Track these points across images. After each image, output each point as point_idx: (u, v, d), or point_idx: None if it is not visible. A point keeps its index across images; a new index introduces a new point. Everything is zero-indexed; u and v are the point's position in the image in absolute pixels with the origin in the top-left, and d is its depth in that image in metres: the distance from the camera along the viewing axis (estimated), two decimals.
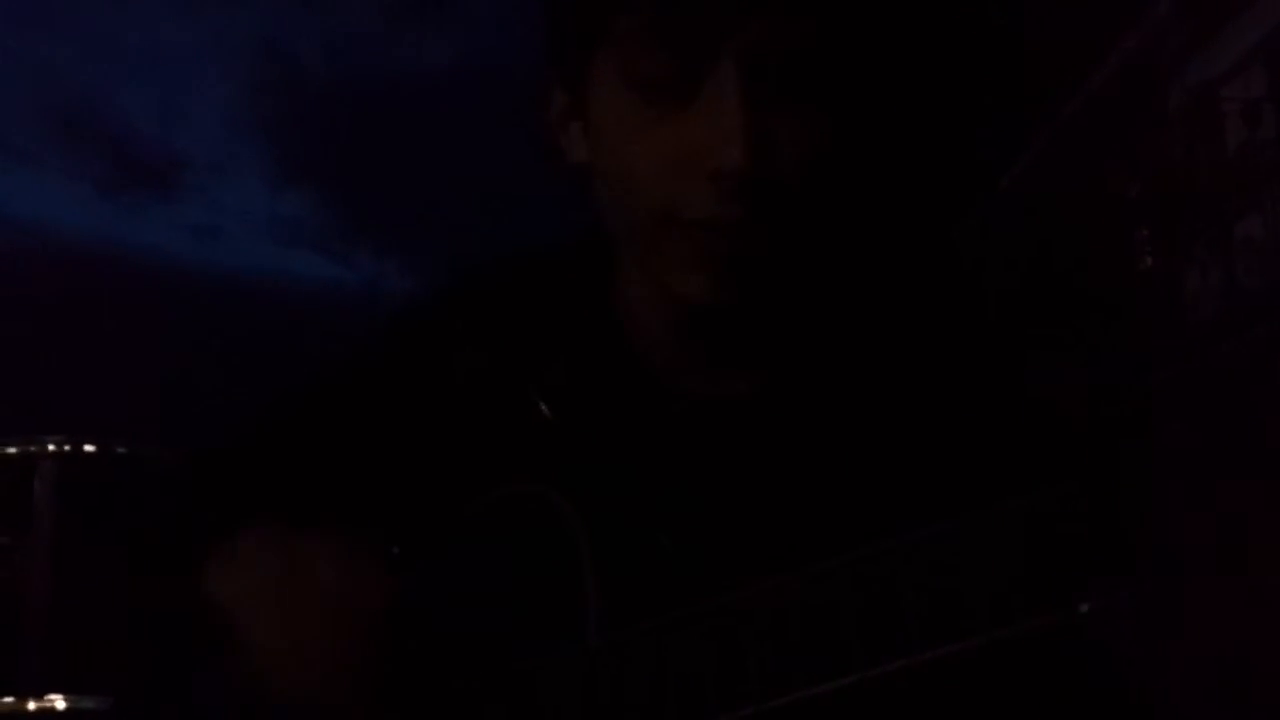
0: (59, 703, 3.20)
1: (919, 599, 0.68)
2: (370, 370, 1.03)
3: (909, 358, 0.89)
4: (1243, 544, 0.60)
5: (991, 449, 0.84)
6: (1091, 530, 0.64)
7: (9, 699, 3.25)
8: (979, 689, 0.72)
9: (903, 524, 0.71)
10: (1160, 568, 0.62)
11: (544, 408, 0.93)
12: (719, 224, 0.80)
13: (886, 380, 0.89)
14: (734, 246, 0.82)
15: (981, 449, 0.85)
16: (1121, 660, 0.66)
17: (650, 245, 0.84)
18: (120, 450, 3.50)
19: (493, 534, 0.90)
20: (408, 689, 0.87)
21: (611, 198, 0.86)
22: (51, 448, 3.46)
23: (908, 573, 0.68)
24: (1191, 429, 0.61)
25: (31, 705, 3.22)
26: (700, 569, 0.82)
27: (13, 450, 3.46)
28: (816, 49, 0.79)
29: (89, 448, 3.49)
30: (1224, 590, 0.61)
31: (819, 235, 0.86)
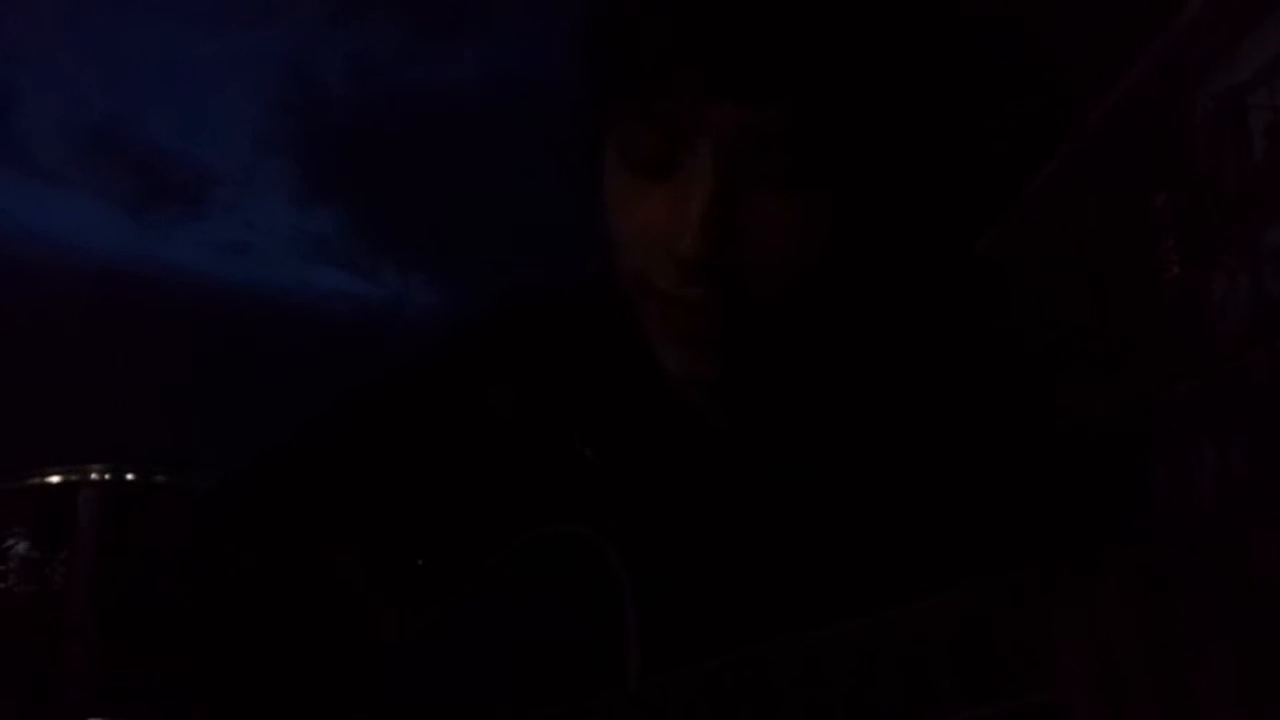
0: None
1: (953, 658, 0.65)
2: (410, 392, 1.03)
3: (936, 387, 0.89)
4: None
5: (1022, 477, 0.83)
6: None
7: None
8: None
9: (941, 563, 0.70)
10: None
11: (588, 452, 0.94)
12: (682, 301, 0.82)
13: (915, 414, 0.88)
14: (702, 324, 0.83)
15: (1013, 477, 0.84)
16: None
17: (638, 312, 0.87)
18: (160, 478, 3.54)
19: (531, 574, 0.90)
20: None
21: (614, 263, 0.89)
22: (94, 476, 3.51)
23: (942, 629, 0.66)
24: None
25: None
26: (742, 614, 0.82)
27: (57, 479, 3.51)
28: (794, 135, 0.80)
29: (130, 476, 3.53)
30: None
31: (805, 312, 0.86)
